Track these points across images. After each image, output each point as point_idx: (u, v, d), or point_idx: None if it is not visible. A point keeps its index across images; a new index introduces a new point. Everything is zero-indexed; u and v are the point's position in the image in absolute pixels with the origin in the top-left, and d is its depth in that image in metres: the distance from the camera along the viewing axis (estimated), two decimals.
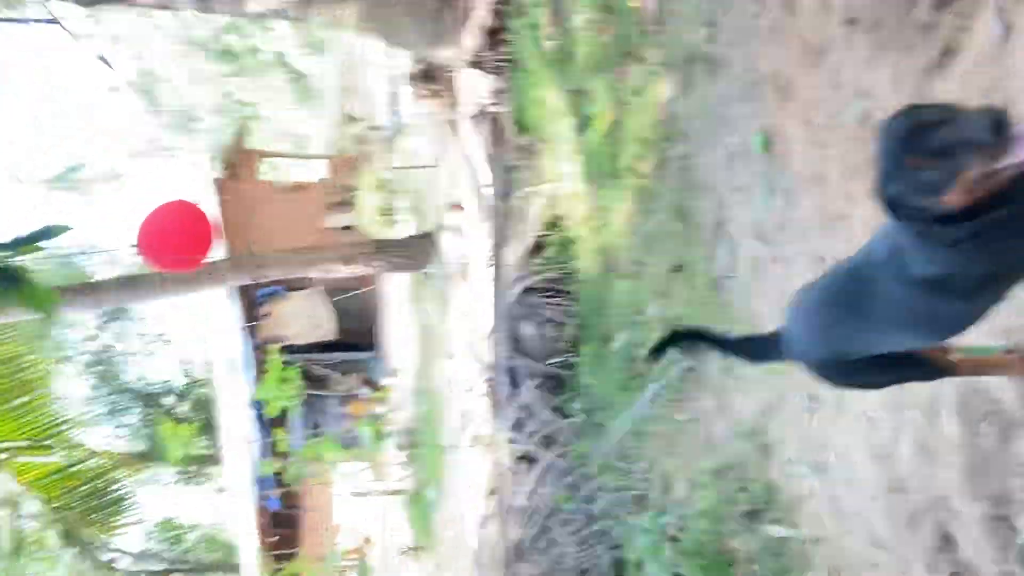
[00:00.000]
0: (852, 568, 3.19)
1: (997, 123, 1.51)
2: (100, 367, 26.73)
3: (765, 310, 3.88)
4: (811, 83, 3.45)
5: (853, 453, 3.20)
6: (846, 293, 2.12)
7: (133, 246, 4.17)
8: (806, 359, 2.42)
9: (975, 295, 1.87)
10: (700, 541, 4.18)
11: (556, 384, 6.59)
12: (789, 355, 2.46)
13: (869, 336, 2.13)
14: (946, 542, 2.69)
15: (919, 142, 1.59)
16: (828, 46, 3.33)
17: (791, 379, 3.66)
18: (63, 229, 3.39)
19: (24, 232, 3.19)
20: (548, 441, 6.21)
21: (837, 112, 3.26)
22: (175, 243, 4.18)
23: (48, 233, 3.24)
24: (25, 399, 8.71)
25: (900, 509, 2.91)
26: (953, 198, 1.58)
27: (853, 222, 3.19)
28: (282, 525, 20.03)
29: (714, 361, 4.34)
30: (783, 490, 3.74)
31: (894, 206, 1.68)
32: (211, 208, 17.38)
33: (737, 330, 4.06)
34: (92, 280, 18.74)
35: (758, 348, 2.74)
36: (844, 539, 3.26)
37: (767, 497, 3.83)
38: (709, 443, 4.37)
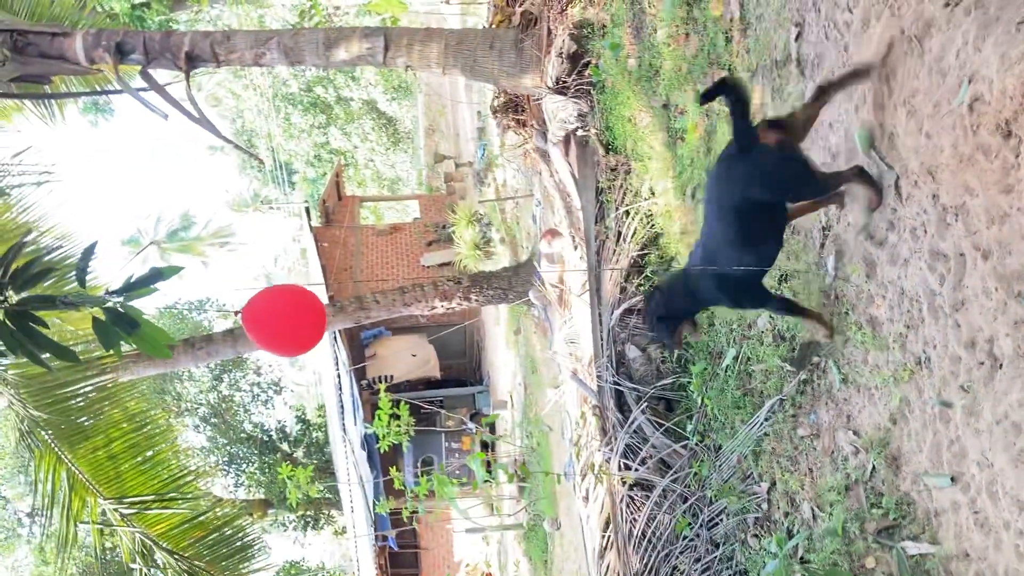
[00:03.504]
0: None
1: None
2: (218, 417, 27.67)
3: (884, 313, 3.69)
4: (913, 71, 3.28)
5: (994, 460, 2.98)
6: None
7: (237, 313, 4.19)
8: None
9: None
10: (833, 562, 3.97)
11: (666, 406, 6.45)
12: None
13: None
14: None
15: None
16: (929, 30, 3.16)
17: (918, 385, 3.46)
18: (174, 271, 3.47)
19: (136, 276, 3.27)
20: (663, 466, 6.06)
21: (944, 99, 3.08)
22: (284, 329, 4.21)
23: (159, 276, 3.31)
24: (150, 453, 9.02)
25: None
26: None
27: (971, 213, 3.00)
28: (402, 564, 20.23)
29: (833, 373, 4.15)
30: (918, 504, 3.52)
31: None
32: (312, 265, 17.89)
33: (860, 339, 3.88)
34: (206, 332, 19.45)
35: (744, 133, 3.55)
36: (992, 553, 3.03)
37: (901, 512, 3.61)
38: (833, 458, 4.16)
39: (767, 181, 3.57)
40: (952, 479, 3.25)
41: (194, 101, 8.41)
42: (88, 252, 3.55)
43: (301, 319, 4.23)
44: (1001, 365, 2.94)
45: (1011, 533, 2.90)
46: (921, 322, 3.41)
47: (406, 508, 11.27)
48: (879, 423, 3.77)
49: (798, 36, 4.33)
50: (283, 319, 4.18)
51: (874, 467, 3.79)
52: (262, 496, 27.38)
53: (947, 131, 3.10)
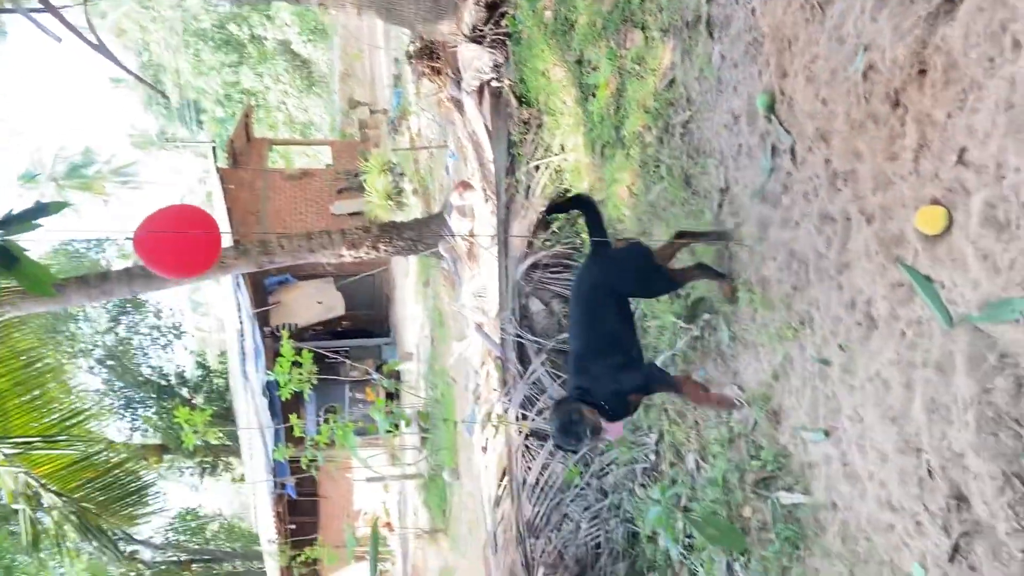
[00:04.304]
0: (866, 532, 3.14)
1: (595, 428, 3.68)
2: (115, 360, 26.86)
3: (773, 273, 3.81)
4: (814, 38, 3.36)
5: (864, 415, 3.14)
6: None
7: (128, 238, 4.02)
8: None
9: None
10: (712, 510, 4.13)
11: (565, 359, 6.55)
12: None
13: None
14: (960, 501, 2.63)
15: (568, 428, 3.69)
16: None
17: (800, 343, 3.60)
18: (60, 207, 3.32)
19: (19, 210, 3.12)
20: None
21: (840, 66, 3.17)
22: (178, 248, 4.05)
23: (43, 211, 3.17)
24: (38, 392, 8.72)
25: (913, 470, 2.85)
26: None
27: (859, 178, 3.11)
28: (300, 513, 20.15)
29: (723, 330, 4.28)
30: (794, 456, 3.68)
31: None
32: (217, 207, 17.43)
33: (749, 297, 4.01)
34: (102, 270, 18.78)
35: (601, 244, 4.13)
36: (857, 503, 3.20)
37: (778, 464, 3.78)
38: (719, 412, 4.31)
39: (622, 272, 4.01)
40: (826, 433, 3.41)
41: (92, 27, 8.01)
42: None
43: (194, 238, 4.10)
44: (877, 326, 3.09)
45: (874, 484, 3.06)
46: (807, 283, 3.54)
47: (305, 456, 11.18)
48: (763, 379, 3.92)
49: None
50: (176, 239, 4.04)
51: (756, 421, 3.94)
52: (159, 441, 26.81)
53: (842, 98, 3.19)
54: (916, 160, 2.80)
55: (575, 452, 4.05)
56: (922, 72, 2.74)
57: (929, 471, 2.77)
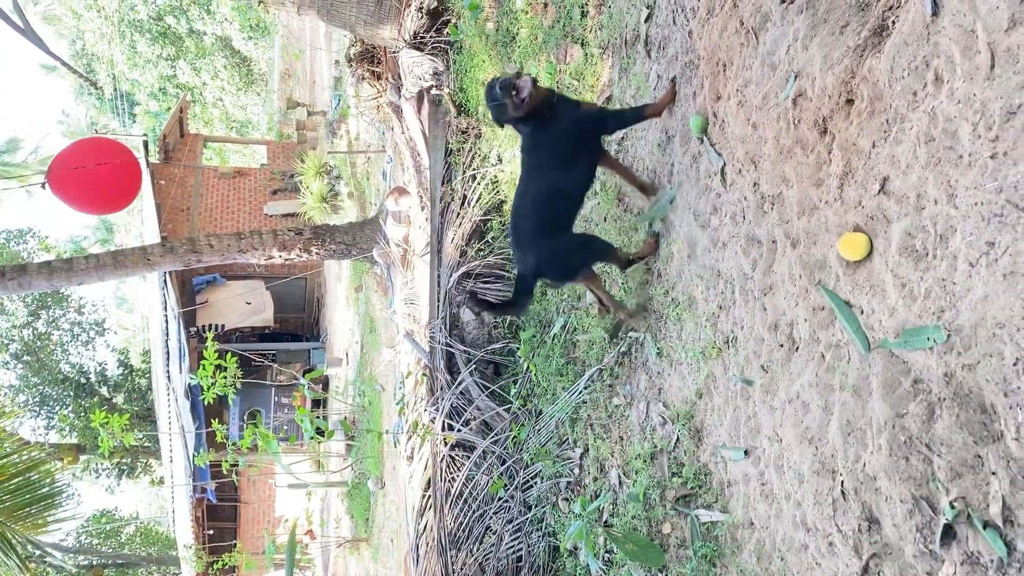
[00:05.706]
0: (780, 551, 3.18)
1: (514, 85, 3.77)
2: (32, 355, 25.93)
3: (700, 293, 3.86)
4: (747, 63, 3.42)
5: (783, 436, 3.18)
6: (524, 210, 4.03)
7: (44, 185, 3.86)
8: (536, 268, 4.06)
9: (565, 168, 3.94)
10: (632, 526, 4.15)
11: (494, 370, 6.53)
12: (529, 276, 4.09)
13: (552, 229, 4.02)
14: (871, 523, 2.68)
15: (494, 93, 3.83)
16: (764, 25, 3.30)
17: (724, 363, 3.64)
18: None
19: None
20: (485, 428, 6.14)
21: (771, 92, 3.23)
22: (95, 179, 3.89)
23: None
24: None
25: (827, 491, 2.90)
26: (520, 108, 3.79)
27: (786, 203, 3.17)
28: (220, 518, 19.72)
29: (650, 346, 4.31)
30: (714, 474, 3.72)
31: (497, 118, 3.97)
32: (146, 202, 16.98)
33: (676, 316, 4.05)
34: (20, 262, 18.11)
35: (517, 296, 4.15)
36: (773, 522, 3.24)
37: (699, 481, 3.81)
38: (643, 428, 4.34)
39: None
40: (746, 452, 3.45)
41: (20, 10, 7.76)
42: None
43: (111, 169, 3.97)
44: (798, 348, 3.14)
45: (790, 504, 3.11)
46: (732, 303, 3.59)
47: (226, 461, 10.92)
48: (687, 396, 3.95)
49: (648, 17, 4.43)
50: (92, 171, 3.90)
51: (678, 438, 3.97)
52: (75, 440, 25.96)
53: (772, 123, 3.24)
54: (841, 187, 2.86)
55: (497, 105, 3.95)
56: (849, 101, 2.81)
57: (843, 493, 2.82)
